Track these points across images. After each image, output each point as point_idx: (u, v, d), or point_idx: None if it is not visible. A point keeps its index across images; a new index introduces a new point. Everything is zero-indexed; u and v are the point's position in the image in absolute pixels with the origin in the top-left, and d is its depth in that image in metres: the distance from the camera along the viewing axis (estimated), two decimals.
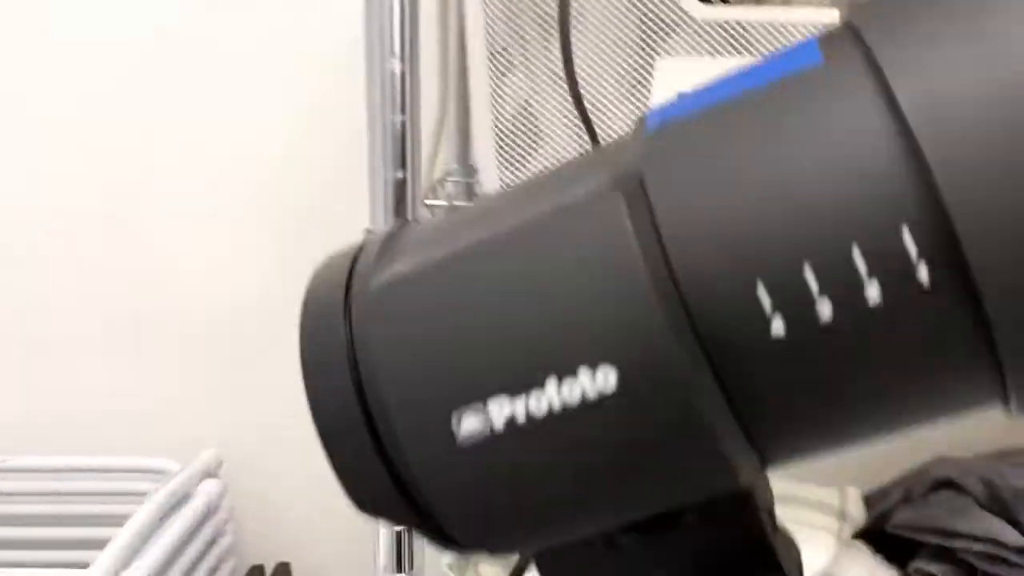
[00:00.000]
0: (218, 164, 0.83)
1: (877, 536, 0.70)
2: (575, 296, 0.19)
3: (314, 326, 0.22)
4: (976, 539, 0.63)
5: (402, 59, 0.40)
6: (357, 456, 0.21)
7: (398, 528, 0.51)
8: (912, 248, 0.17)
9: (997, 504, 0.66)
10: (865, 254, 0.17)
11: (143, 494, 0.76)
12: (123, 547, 0.66)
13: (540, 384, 0.19)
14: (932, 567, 0.65)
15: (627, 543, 0.23)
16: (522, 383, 0.19)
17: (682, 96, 0.22)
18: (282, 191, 0.84)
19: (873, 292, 0.17)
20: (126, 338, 0.87)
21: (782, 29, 0.46)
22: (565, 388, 0.19)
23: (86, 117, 0.82)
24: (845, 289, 0.17)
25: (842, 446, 0.20)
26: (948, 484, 0.69)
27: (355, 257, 0.23)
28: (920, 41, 0.17)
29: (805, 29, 0.43)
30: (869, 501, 0.75)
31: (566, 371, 0.19)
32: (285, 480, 0.88)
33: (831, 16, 0.41)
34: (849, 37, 0.19)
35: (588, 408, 0.19)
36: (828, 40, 0.19)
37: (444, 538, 0.23)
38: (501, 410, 0.19)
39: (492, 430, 0.19)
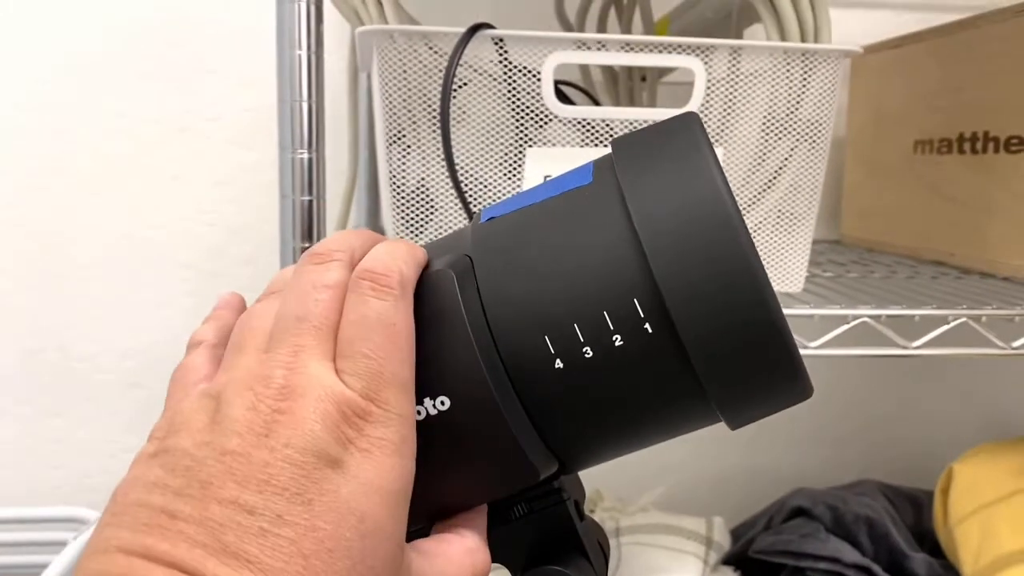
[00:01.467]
0: (152, 232, 0.89)
1: (743, 562, 0.79)
2: (422, 348, 0.27)
3: None
4: (821, 558, 0.72)
5: (309, 148, 0.47)
6: None
7: None
8: (640, 312, 0.25)
9: (841, 528, 0.75)
10: (611, 317, 0.25)
11: (62, 544, 0.78)
12: None
13: None
14: None
15: None
16: None
17: (506, 200, 0.30)
18: (212, 251, 0.89)
19: (617, 339, 0.25)
20: (42, 383, 0.90)
21: (635, 124, 0.55)
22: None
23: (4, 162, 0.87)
24: (600, 339, 0.25)
25: (614, 447, 0.28)
26: (801, 512, 0.78)
27: None
28: (647, 178, 0.26)
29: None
30: (737, 531, 0.83)
31: (415, 402, 0.27)
32: None
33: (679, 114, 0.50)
34: (609, 166, 0.27)
35: (433, 423, 0.26)
36: (599, 166, 0.28)
37: None
38: None
39: None
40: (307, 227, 0.47)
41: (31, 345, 0.89)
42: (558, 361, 0.26)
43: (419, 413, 0.26)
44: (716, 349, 0.25)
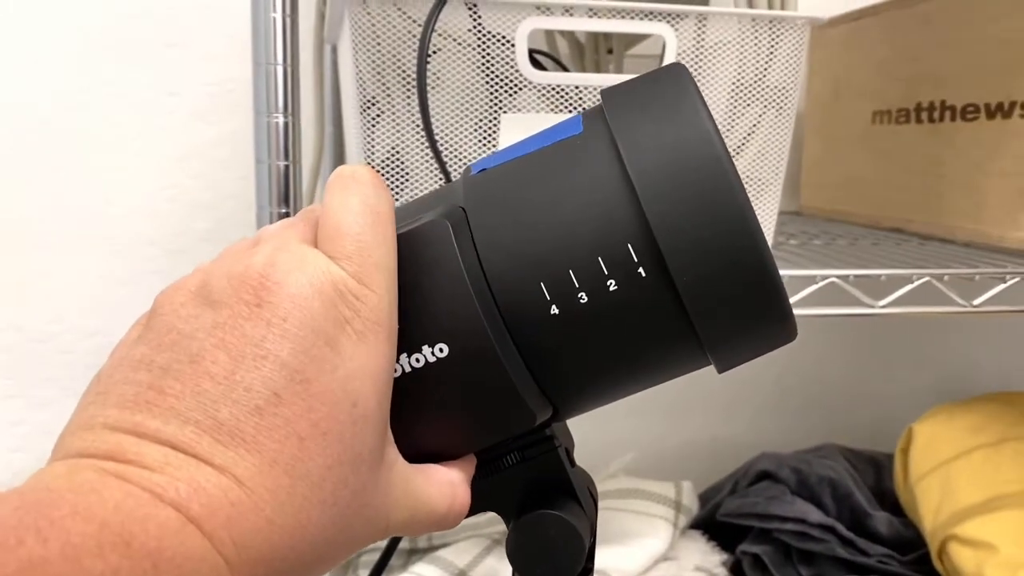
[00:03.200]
0: (114, 208, 0.87)
1: (711, 525, 0.80)
2: (418, 296, 0.27)
3: None
4: (786, 519, 0.73)
5: (285, 112, 0.47)
6: None
7: None
8: (635, 257, 0.26)
9: (805, 489, 0.77)
10: (606, 262, 0.26)
11: None
12: None
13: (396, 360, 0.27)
14: (755, 548, 0.76)
15: None
16: None
17: (496, 152, 0.30)
18: (175, 227, 0.88)
19: (612, 283, 0.26)
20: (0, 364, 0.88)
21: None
22: (413, 359, 0.27)
23: None
24: (595, 284, 0.26)
25: (607, 391, 0.28)
26: (766, 475, 0.80)
27: None
28: (639, 125, 0.26)
29: None
30: (705, 495, 0.85)
31: (414, 349, 0.27)
32: None
33: None
34: (600, 116, 0.27)
35: (432, 370, 0.27)
36: (588, 116, 0.28)
37: None
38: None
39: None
40: (283, 192, 0.47)
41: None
42: (553, 307, 0.26)
43: (417, 360, 0.27)
44: (709, 292, 0.25)
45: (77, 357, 0.89)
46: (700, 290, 0.25)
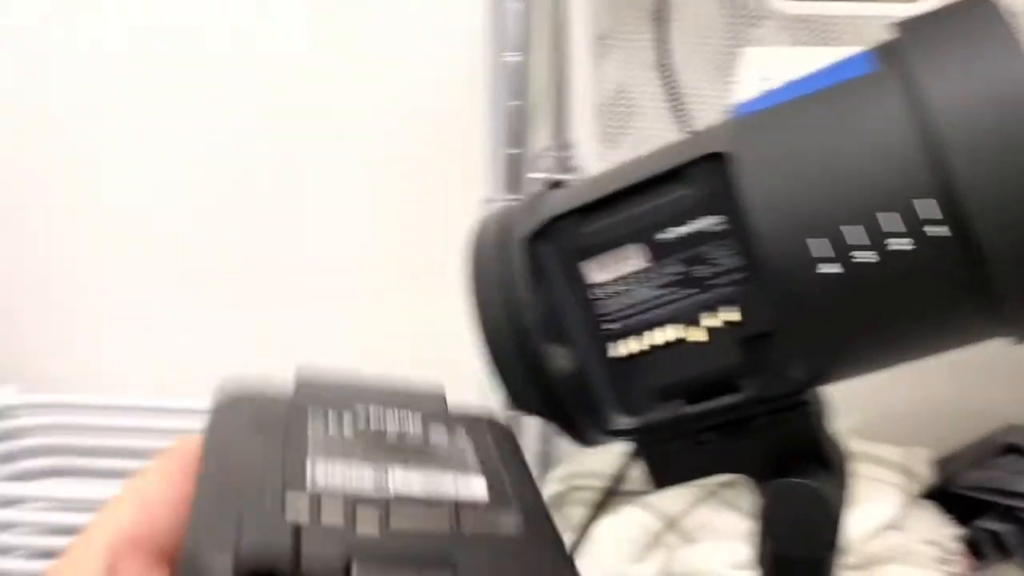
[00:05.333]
0: (357, 144, 0.90)
1: (946, 497, 0.74)
2: None
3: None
4: None
5: (519, 51, 0.46)
6: (511, 364, 0.28)
7: None
8: (939, 215, 0.23)
9: None
10: (898, 218, 0.23)
11: None
12: None
13: None
14: (995, 526, 0.69)
15: (710, 440, 0.29)
16: None
17: (767, 92, 0.27)
18: (404, 164, 0.90)
19: (902, 243, 0.23)
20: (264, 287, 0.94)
21: (859, 21, 0.51)
22: None
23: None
24: (881, 242, 0.24)
25: (874, 361, 0.26)
26: (1014, 449, 0.73)
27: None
28: (946, 65, 0.23)
29: (881, 22, 0.47)
30: (941, 464, 0.79)
31: None
32: None
33: (905, 10, 0.45)
34: (895, 53, 0.24)
35: None
36: (881, 52, 0.25)
37: (572, 428, 0.29)
38: None
39: None
40: (515, 132, 0.46)
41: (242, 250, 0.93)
42: (820, 264, 0.24)
43: None
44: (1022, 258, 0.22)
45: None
46: (1013, 255, 0.22)
